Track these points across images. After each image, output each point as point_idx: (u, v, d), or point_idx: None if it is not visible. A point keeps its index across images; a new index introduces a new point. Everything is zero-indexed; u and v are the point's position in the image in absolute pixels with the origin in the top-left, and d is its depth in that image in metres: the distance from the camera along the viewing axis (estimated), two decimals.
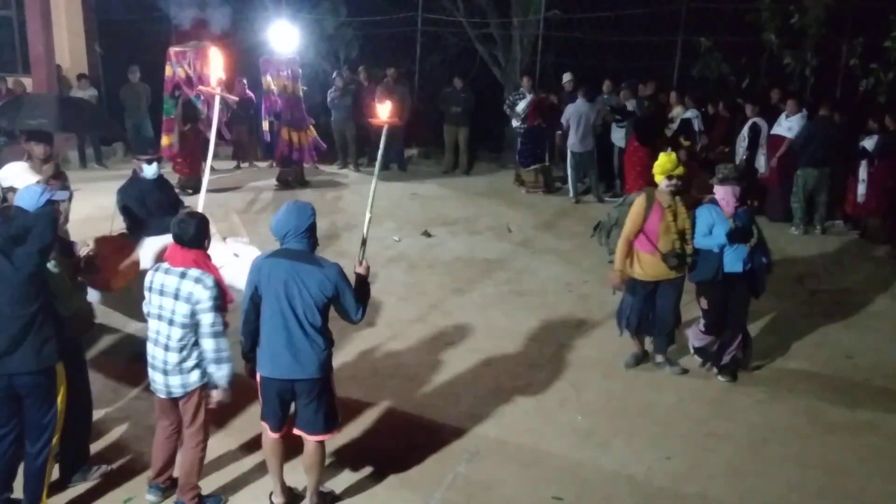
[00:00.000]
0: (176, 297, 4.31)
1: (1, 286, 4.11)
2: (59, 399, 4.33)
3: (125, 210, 6.22)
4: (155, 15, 14.77)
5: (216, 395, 4.49)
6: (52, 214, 4.31)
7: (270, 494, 4.70)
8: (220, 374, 4.42)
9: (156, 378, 4.48)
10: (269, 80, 12.55)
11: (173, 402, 4.55)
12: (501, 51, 15.69)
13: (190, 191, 11.22)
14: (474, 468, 5.21)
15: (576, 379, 6.45)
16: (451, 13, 15.61)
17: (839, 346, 7.21)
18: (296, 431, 4.51)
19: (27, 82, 14.87)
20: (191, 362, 4.40)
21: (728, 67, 12.93)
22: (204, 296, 4.28)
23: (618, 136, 12.35)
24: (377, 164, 5.20)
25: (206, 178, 6.04)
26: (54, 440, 4.36)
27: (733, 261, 6.17)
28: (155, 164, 6.41)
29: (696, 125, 11.67)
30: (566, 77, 13.64)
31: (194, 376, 4.43)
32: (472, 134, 14.33)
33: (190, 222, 4.43)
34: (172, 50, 12.22)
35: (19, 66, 16.13)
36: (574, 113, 12.11)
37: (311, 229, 4.32)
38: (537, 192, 12.70)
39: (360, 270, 4.56)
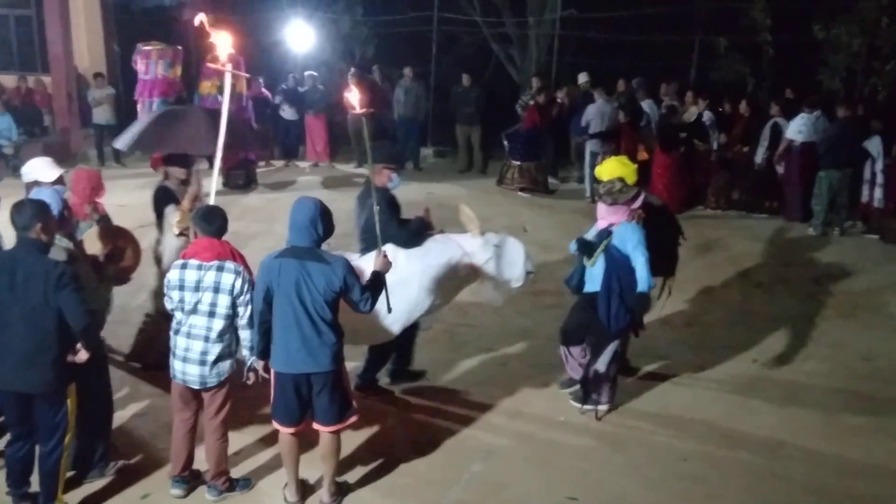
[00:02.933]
0: (216, 290, 4.42)
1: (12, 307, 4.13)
2: (70, 399, 4.36)
3: None
4: (172, 14, 14.88)
5: (254, 376, 4.61)
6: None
7: (284, 487, 4.76)
8: (252, 358, 4.58)
9: (189, 370, 4.53)
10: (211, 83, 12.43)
11: (196, 394, 4.64)
12: (517, 50, 15.69)
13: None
14: (489, 467, 5.22)
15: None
16: (467, 12, 15.61)
17: (857, 348, 7.15)
18: (314, 425, 4.57)
19: (46, 81, 15.04)
20: (226, 351, 4.54)
21: (747, 68, 12.88)
22: (245, 288, 4.44)
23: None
24: (368, 156, 5.24)
25: (216, 173, 5.99)
26: (67, 439, 4.40)
27: (592, 278, 5.72)
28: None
29: (711, 125, 11.62)
30: (582, 77, 13.63)
31: (227, 365, 4.57)
32: (486, 133, 14.28)
33: (217, 214, 4.54)
34: (142, 49, 12.08)
35: (39, 65, 16.31)
36: (595, 113, 12.08)
37: (314, 224, 4.35)
38: (535, 193, 12.63)
39: (378, 266, 4.62)
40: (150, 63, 11.63)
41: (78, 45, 15.21)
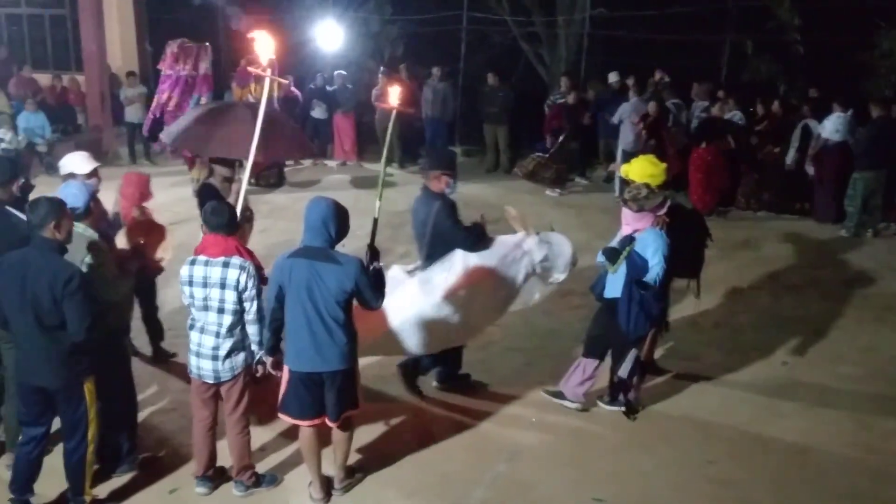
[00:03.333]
0: (223, 286, 4.43)
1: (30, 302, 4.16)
2: (88, 394, 4.40)
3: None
4: (204, 13, 15.02)
5: (262, 369, 4.64)
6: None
7: (309, 485, 4.79)
8: (261, 352, 4.60)
9: (203, 365, 4.58)
10: (244, 91, 12.38)
11: (214, 392, 4.68)
12: (546, 49, 15.62)
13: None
14: (514, 467, 5.21)
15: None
16: (497, 12, 15.58)
17: (889, 351, 7.05)
18: (326, 421, 4.62)
19: (80, 80, 15.24)
20: (239, 346, 4.56)
21: (778, 68, 12.73)
22: (250, 283, 4.44)
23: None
24: (384, 152, 5.28)
25: (248, 171, 5.99)
26: (90, 434, 4.44)
27: (613, 285, 5.62)
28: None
29: (741, 126, 11.51)
30: (612, 76, 13.53)
31: (240, 359, 4.59)
32: (514, 133, 14.24)
33: (223, 210, 4.56)
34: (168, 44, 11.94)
35: (72, 64, 16.54)
36: (629, 111, 12.01)
37: (326, 224, 4.36)
38: (555, 190, 12.58)
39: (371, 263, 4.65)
40: (177, 61, 11.64)
41: (111, 44, 15.41)
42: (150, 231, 5.66)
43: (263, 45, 5.51)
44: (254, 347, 4.61)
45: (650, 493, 4.98)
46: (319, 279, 4.29)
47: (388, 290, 4.69)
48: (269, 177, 12.61)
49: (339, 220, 4.39)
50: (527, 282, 5.79)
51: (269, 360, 4.60)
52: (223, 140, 5.93)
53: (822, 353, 6.95)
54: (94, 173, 5.45)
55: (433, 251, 5.61)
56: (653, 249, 5.43)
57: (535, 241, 5.77)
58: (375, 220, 5.11)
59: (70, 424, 4.43)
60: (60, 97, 15.15)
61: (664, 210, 5.56)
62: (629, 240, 5.56)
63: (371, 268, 4.54)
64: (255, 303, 4.49)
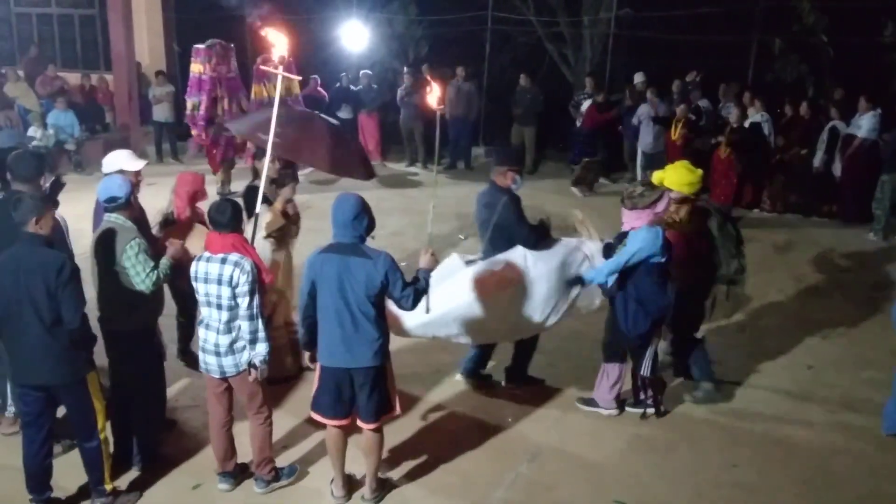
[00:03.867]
0: (219, 282, 4.47)
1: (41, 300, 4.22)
2: (91, 388, 4.46)
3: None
4: (232, 13, 15.09)
5: (253, 374, 4.62)
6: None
7: (331, 482, 4.81)
8: (256, 352, 4.57)
9: (209, 360, 4.62)
10: (261, 88, 12.16)
11: (226, 388, 4.72)
12: (571, 50, 15.58)
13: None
14: (535, 469, 5.21)
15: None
16: (521, 11, 15.56)
17: None
18: (358, 421, 4.63)
19: (108, 79, 15.42)
20: (241, 343, 4.57)
21: (807, 68, 12.60)
22: (242, 279, 4.44)
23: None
24: (435, 155, 5.29)
25: (266, 169, 5.97)
26: (100, 426, 4.52)
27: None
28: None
29: (767, 129, 11.41)
30: (638, 77, 13.47)
31: (245, 355, 4.59)
32: (541, 133, 14.22)
33: (226, 207, 4.58)
34: (196, 47, 11.82)
35: (101, 63, 16.74)
36: (647, 113, 11.94)
37: (357, 221, 4.40)
38: (586, 192, 12.54)
39: (424, 264, 4.65)
40: (207, 61, 11.64)
41: (139, 43, 15.57)
42: (193, 230, 5.69)
43: (276, 42, 5.55)
44: (247, 347, 4.58)
45: (672, 496, 4.96)
46: (350, 274, 4.33)
47: (444, 274, 4.68)
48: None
49: (367, 215, 4.45)
50: (586, 287, 5.78)
51: (263, 365, 4.60)
52: (294, 146, 5.98)
53: (847, 358, 6.88)
54: (139, 173, 5.49)
55: (494, 244, 5.71)
56: (630, 246, 5.41)
57: (597, 247, 5.81)
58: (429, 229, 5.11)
59: (78, 419, 4.50)
60: (89, 96, 15.36)
61: (661, 207, 5.49)
62: (623, 236, 5.56)
63: (418, 271, 4.57)
64: (247, 299, 4.46)
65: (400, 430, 5.54)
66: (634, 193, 5.48)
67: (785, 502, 4.92)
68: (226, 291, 4.46)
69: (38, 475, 4.53)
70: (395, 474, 5.05)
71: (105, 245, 4.64)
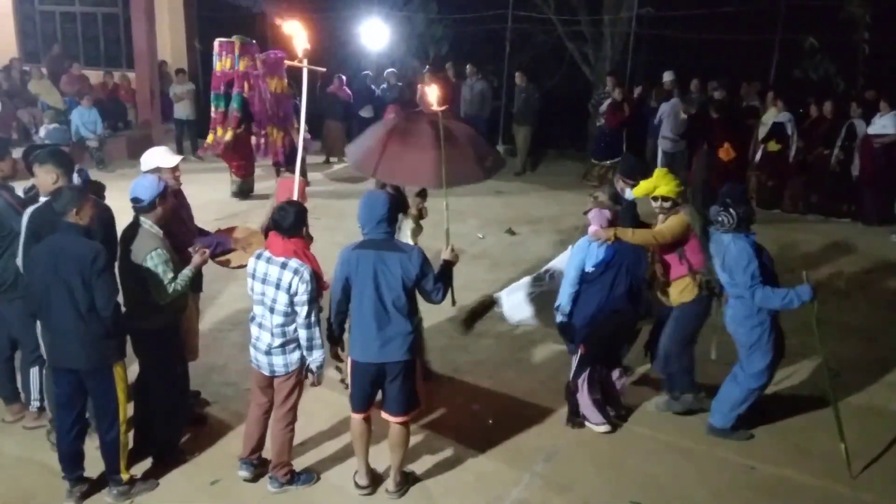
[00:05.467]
0: (277, 286, 4.49)
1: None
2: (118, 376, 4.55)
3: None
4: (252, 12, 15.19)
5: (310, 379, 4.71)
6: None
7: (354, 474, 4.85)
8: (312, 359, 4.62)
9: (259, 358, 4.68)
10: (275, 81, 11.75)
11: (271, 381, 4.76)
12: (592, 49, 15.52)
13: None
14: (552, 468, 5.20)
15: (659, 384, 6.35)
16: (542, 10, 15.52)
17: None
18: (383, 415, 4.68)
19: (130, 77, 15.56)
20: (292, 345, 4.61)
21: (833, 67, 12.48)
22: (301, 288, 4.46)
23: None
24: (441, 154, 5.26)
25: (298, 163, 5.86)
26: (120, 416, 4.60)
27: None
28: None
29: (789, 129, 11.32)
30: (667, 76, 13.32)
31: (295, 357, 4.64)
32: (536, 133, 14.17)
33: (289, 210, 4.59)
34: (218, 41, 11.43)
35: (124, 61, 16.88)
36: (669, 111, 11.88)
37: (388, 217, 4.47)
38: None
39: (447, 256, 4.72)
40: (232, 57, 11.50)
41: (161, 42, 15.69)
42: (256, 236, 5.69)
43: (295, 35, 5.55)
44: (304, 353, 4.64)
45: (689, 498, 4.94)
46: (385, 268, 4.39)
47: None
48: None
49: (395, 210, 4.55)
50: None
51: (319, 371, 4.65)
52: (408, 167, 5.51)
53: (869, 360, 6.81)
54: (176, 168, 5.35)
55: None
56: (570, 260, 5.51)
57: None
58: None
59: (100, 406, 4.59)
60: (111, 94, 15.50)
61: (598, 222, 5.40)
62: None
63: (442, 261, 4.67)
64: (306, 308, 4.49)
65: (417, 428, 5.55)
66: (597, 198, 5.53)
67: None
68: (282, 297, 4.49)
69: (69, 454, 4.66)
70: (411, 471, 5.05)
71: (126, 244, 4.71)
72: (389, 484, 4.84)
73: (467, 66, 14.38)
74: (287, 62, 10.04)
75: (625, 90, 13.18)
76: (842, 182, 11.08)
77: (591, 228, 5.45)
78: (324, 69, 10.77)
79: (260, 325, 4.65)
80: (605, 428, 5.60)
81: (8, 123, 13.08)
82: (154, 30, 14.74)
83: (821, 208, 11.37)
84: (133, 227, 4.74)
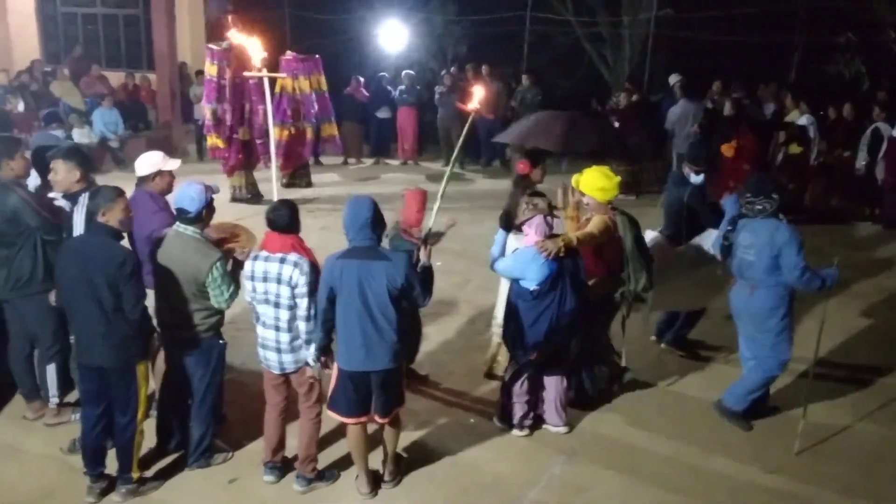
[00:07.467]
0: (279, 281, 4.53)
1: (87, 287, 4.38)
2: (140, 375, 4.59)
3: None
4: (274, 13, 15.27)
5: (309, 371, 4.74)
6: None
7: (356, 479, 4.88)
8: (309, 352, 4.67)
9: (269, 356, 4.72)
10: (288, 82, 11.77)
11: (285, 379, 4.81)
12: (610, 50, 15.49)
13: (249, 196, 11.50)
14: (569, 470, 5.19)
15: (676, 384, 6.33)
16: (560, 12, 15.51)
17: None
18: (375, 418, 4.72)
19: (151, 78, 15.67)
20: (300, 340, 4.65)
21: (862, 66, 12.39)
22: (301, 280, 4.51)
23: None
24: (454, 152, 5.31)
25: (274, 170, 5.81)
26: (139, 415, 4.63)
27: None
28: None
29: (812, 132, 11.23)
30: (673, 78, 13.30)
31: (305, 352, 4.67)
32: None
33: (283, 209, 4.63)
34: (206, 47, 11.42)
35: (144, 63, 17.01)
36: (679, 115, 11.82)
37: (371, 223, 4.43)
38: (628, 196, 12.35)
39: (423, 257, 4.77)
40: (221, 63, 10.93)
41: (182, 43, 15.79)
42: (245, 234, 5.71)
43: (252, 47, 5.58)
44: (302, 345, 4.66)
45: (708, 499, 4.91)
46: (371, 277, 4.37)
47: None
48: (303, 176, 12.84)
49: (380, 217, 4.50)
50: None
51: (320, 360, 4.67)
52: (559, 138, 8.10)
53: (888, 364, 6.75)
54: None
55: (673, 229, 6.71)
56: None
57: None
58: (429, 230, 5.15)
59: (121, 403, 4.62)
60: (132, 95, 15.62)
61: (535, 232, 5.13)
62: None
63: (420, 265, 4.71)
64: (305, 300, 4.54)
65: (433, 430, 5.56)
66: (531, 203, 5.22)
67: None
68: (285, 290, 4.53)
69: (92, 450, 4.71)
70: (427, 472, 5.08)
71: (169, 255, 4.65)
72: (385, 474, 4.92)
73: (482, 67, 14.35)
74: (245, 74, 9.81)
75: (631, 97, 13.05)
76: (863, 185, 10.99)
77: (533, 240, 5.11)
78: (283, 75, 10.92)
79: (264, 325, 4.69)
80: (523, 432, 5.51)
81: (30, 124, 13.21)
82: (174, 31, 14.85)
83: (841, 211, 11.28)
84: (178, 239, 4.64)
